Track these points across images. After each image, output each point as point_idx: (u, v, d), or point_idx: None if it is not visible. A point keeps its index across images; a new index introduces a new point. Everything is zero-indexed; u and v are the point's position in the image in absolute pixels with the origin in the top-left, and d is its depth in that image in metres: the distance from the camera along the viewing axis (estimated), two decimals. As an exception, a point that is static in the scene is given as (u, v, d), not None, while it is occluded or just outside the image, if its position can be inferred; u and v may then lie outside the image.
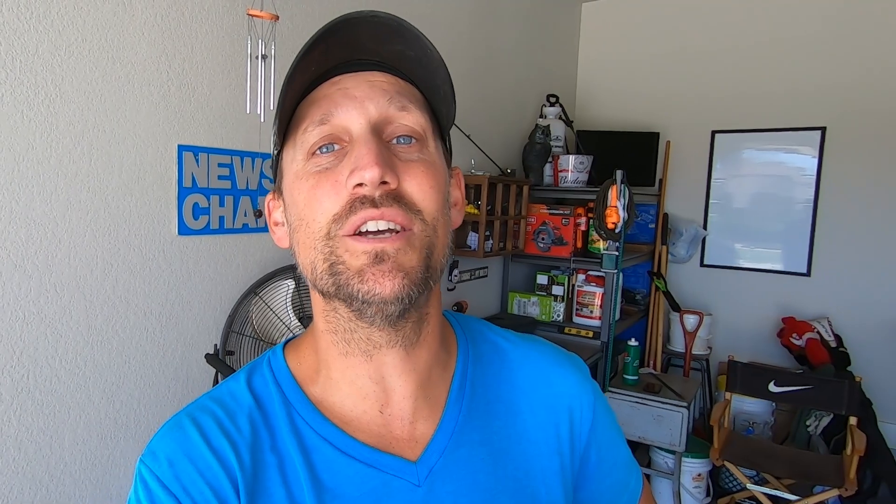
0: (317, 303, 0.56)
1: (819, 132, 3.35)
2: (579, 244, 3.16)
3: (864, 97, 3.22)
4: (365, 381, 0.55)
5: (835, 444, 2.94)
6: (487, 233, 2.75)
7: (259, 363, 0.60)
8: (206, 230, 1.66)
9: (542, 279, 3.26)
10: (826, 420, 3.00)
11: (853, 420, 2.57)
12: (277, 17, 1.43)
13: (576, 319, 3.14)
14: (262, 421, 0.55)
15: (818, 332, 3.17)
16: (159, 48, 1.51)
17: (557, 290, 3.19)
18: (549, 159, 3.23)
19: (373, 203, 0.48)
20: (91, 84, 1.38)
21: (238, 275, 1.76)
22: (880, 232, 3.23)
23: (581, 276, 3.14)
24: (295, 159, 0.52)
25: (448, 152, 0.59)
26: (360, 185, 0.48)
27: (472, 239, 2.78)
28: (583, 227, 3.16)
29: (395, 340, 0.54)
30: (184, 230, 1.61)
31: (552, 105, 3.39)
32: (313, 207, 0.50)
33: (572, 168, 3.16)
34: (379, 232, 0.49)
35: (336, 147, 0.51)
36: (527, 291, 3.31)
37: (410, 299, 0.49)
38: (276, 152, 0.55)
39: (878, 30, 3.16)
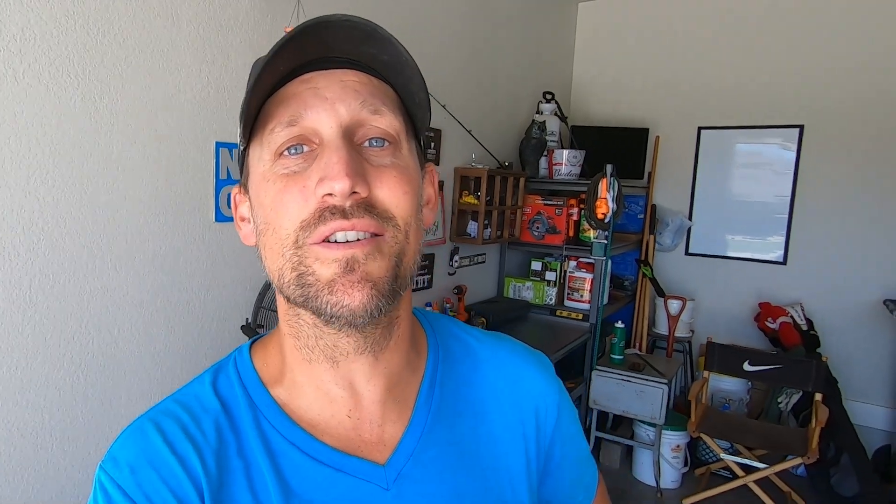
0: (280, 305, 0.55)
1: (797, 129, 3.57)
2: (571, 233, 3.38)
3: (839, 97, 3.44)
4: (331, 386, 0.55)
5: (803, 419, 3.19)
6: (486, 222, 2.97)
7: (225, 363, 0.58)
8: (238, 217, 1.87)
9: (536, 265, 3.49)
10: (796, 397, 3.25)
11: (818, 396, 2.81)
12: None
13: (567, 303, 3.37)
14: (229, 425, 0.54)
15: (791, 317, 3.42)
16: (200, 56, 1.71)
17: (550, 275, 3.42)
18: (545, 153, 3.44)
19: (343, 213, 0.47)
20: (144, 89, 1.59)
21: (265, 257, 1.98)
22: (852, 223, 3.46)
23: (572, 263, 3.36)
24: (262, 159, 0.51)
25: (422, 151, 0.58)
26: (329, 194, 0.47)
27: (472, 227, 3.00)
28: (575, 217, 3.38)
29: (364, 347, 0.53)
30: (220, 217, 1.82)
31: (548, 102, 3.59)
32: (280, 213, 0.49)
33: (566, 161, 3.37)
34: (349, 242, 0.48)
35: (305, 148, 0.49)
36: (522, 277, 3.54)
37: (379, 311, 0.48)
38: (241, 148, 0.54)
39: (851, 32, 3.38)
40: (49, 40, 1.38)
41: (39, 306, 1.43)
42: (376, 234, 0.48)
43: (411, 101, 0.54)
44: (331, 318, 0.48)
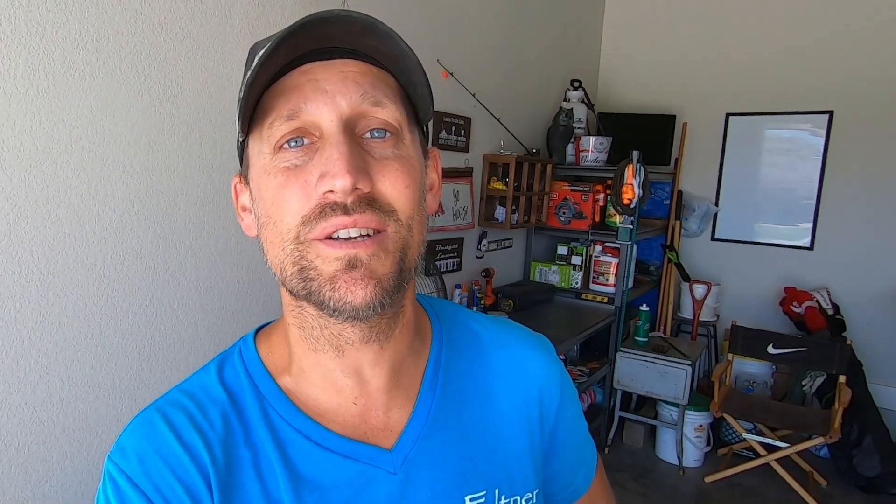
0: (284, 297, 0.55)
1: (827, 115, 3.57)
2: (597, 218, 3.46)
3: (870, 83, 3.43)
4: (338, 375, 0.55)
5: (826, 401, 3.24)
6: (514, 207, 3.07)
7: (230, 353, 0.59)
8: (283, 201, 2.01)
9: (562, 250, 3.58)
10: (820, 380, 3.30)
11: (842, 378, 2.86)
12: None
13: (592, 286, 3.45)
14: (235, 415, 0.54)
15: (817, 301, 3.45)
16: (250, 51, 1.84)
17: (576, 259, 3.51)
18: (572, 140, 3.51)
19: (344, 210, 0.47)
20: (202, 83, 1.72)
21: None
22: (880, 209, 3.47)
23: (598, 248, 3.44)
24: (262, 152, 0.50)
25: (425, 139, 0.57)
26: (330, 191, 0.47)
27: (500, 212, 3.10)
28: (601, 203, 3.46)
29: (370, 336, 0.53)
30: (267, 201, 1.96)
31: (575, 89, 3.65)
32: (281, 207, 0.48)
33: (593, 148, 3.44)
34: (351, 239, 0.48)
35: (305, 141, 0.49)
36: (548, 261, 3.63)
37: (382, 306, 0.48)
38: (241, 139, 0.53)
39: (882, 16, 3.36)
40: (121, 39, 1.52)
41: (111, 281, 1.58)
42: (378, 230, 0.48)
43: (413, 92, 0.53)
44: (333, 311, 0.49)
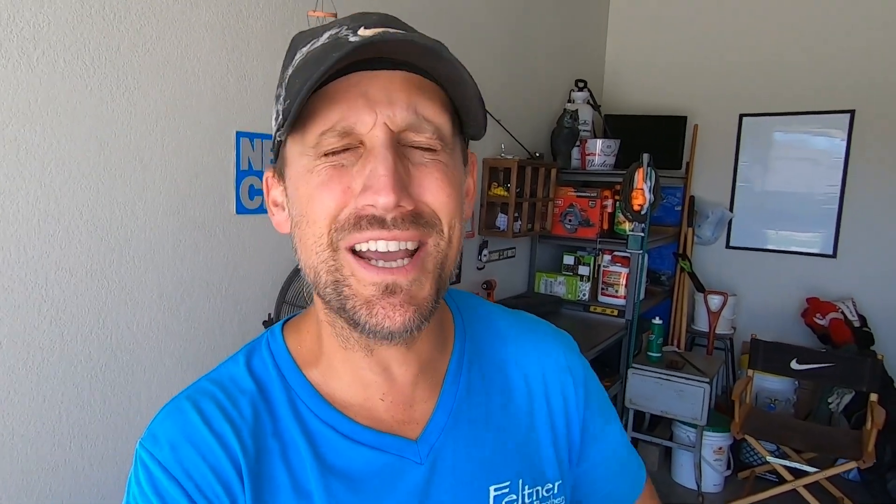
0: (316, 295, 0.54)
1: (848, 115, 3.37)
2: (605, 226, 3.26)
3: (894, 80, 3.23)
4: (366, 371, 0.56)
5: (855, 421, 3.01)
6: (516, 214, 2.87)
7: (258, 345, 0.59)
8: (260, 209, 1.82)
9: (568, 259, 3.37)
10: (848, 397, 3.07)
11: (874, 396, 2.64)
12: (335, 15, 1.57)
13: (601, 298, 3.24)
14: (265, 406, 0.55)
15: (842, 313, 3.23)
16: (220, 43, 1.66)
17: (583, 270, 3.30)
18: (577, 143, 3.33)
19: (382, 223, 0.47)
20: (163, 77, 1.54)
21: (290, 250, 1.92)
22: (907, 214, 3.25)
23: (607, 257, 3.24)
24: (304, 153, 0.50)
25: (466, 144, 0.57)
26: (371, 205, 0.47)
27: (502, 220, 2.91)
28: (609, 209, 3.26)
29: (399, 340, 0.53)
30: (241, 209, 1.77)
31: (580, 90, 3.47)
32: (317, 206, 0.48)
33: (599, 152, 3.25)
34: (389, 253, 0.47)
35: (350, 146, 0.49)
36: (553, 271, 3.43)
37: (419, 329, 0.49)
38: (279, 139, 0.52)
39: (909, 11, 3.17)
40: (64, 26, 1.33)
41: (56, 301, 1.39)
42: (420, 242, 0.48)
43: (465, 113, 0.52)
44: (368, 333, 0.48)
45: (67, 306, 1.41)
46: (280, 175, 0.55)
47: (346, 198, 0.48)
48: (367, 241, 0.47)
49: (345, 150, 0.48)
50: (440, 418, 0.58)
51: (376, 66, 0.48)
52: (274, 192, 0.57)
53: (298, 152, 0.50)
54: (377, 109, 0.47)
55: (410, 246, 0.48)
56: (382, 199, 0.45)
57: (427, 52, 0.47)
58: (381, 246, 0.47)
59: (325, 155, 0.48)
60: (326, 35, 0.49)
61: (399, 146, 0.48)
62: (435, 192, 0.49)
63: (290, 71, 0.50)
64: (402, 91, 0.48)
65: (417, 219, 0.48)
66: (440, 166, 0.50)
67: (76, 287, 1.42)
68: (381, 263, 0.48)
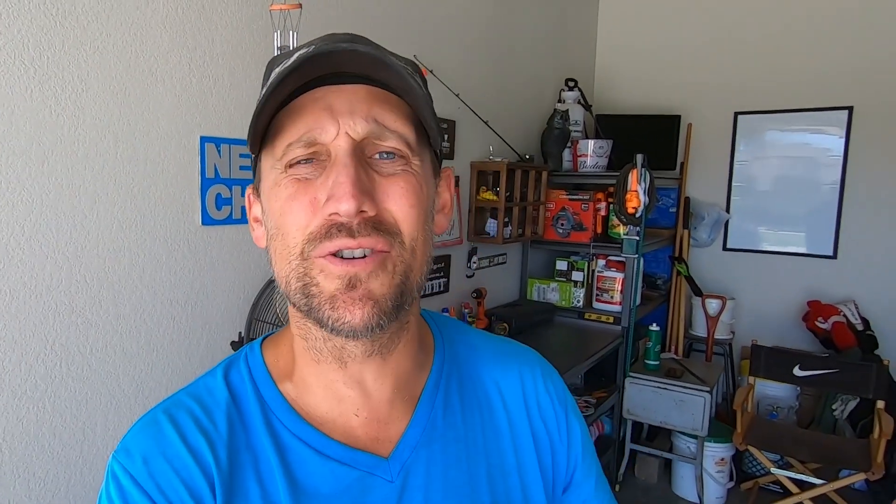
0: (290, 308, 0.56)
1: (846, 112, 3.27)
2: (599, 229, 3.14)
3: (894, 74, 3.13)
4: (339, 386, 0.56)
5: (861, 429, 2.91)
6: (506, 219, 2.75)
7: (236, 359, 0.59)
8: (228, 220, 1.68)
9: (561, 265, 3.25)
10: (852, 404, 2.97)
11: (881, 404, 2.53)
12: (300, 5, 1.44)
13: (596, 305, 3.13)
14: (238, 418, 0.55)
15: (844, 316, 3.12)
16: (180, 41, 1.53)
17: (577, 275, 3.18)
18: (569, 144, 3.21)
19: (349, 231, 0.48)
20: (115, 78, 1.40)
21: (261, 263, 1.79)
22: (909, 213, 3.15)
23: (601, 262, 3.12)
24: (273, 167, 0.51)
25: (437, 158, 0.58)
26: (336, 213, 0.48)
27: (491, 226, 2.78)
28: (603, 213, 3.14)
29: (372, 350, 0.54)
30: (207, 220, 1.63)
31: (571, 89, 3.36)
32: (288, 222, 0.50)
33: (592, 153, 3.14)
34: (353, 259, 0.49)
35: (314, 160, 0.50)
36: (546, 277, 3.30)
37: (380, 327, 0.49)
38: (253, 156, 0.55)
39: (907, 4, 3.07)
40: (-4, 21, 1.20)
41: (-6, 327, 1.25)
42: (383, 251, 0.49)
43: (424, 120, 0.53)
44: (332, 330, 0.49)
45: (8, 331, 1.27)
46: (257, 191, 0.56)
47: (313, 209, 0.49)
48: (337, 250, 0.48)
49: (310, 160, 0.50)
50: (413, 436, 0.57)
51: (341, 80, 0.50)
52: (255, 208, 0.58)
53: (269, 166, 0.52)
54: (339, 119, 0.49)
55: (375, 252, 0.49)
56: (344, 206, 0.47)
57: (374, 62, 0.48)
58: (347, 254, 0.48)
59: (291, 166, 0.50)
60: (295, 56, 0.49)
61: (364, 157, 0.50)
62: (397, 200, 0.50)
63: (262, 91, 0.52)
64: (364, 102, 0.50)
65: (380, 226, 0.49)
66: (406, 176, 0.51)
67: (17, 310, 1.28)
68: (345, 260, 0.49)
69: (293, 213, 0.49)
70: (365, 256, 0.48)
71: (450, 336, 0.65)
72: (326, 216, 0.48)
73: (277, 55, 0.54)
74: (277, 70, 0.49)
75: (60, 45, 1.30)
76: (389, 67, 0.48)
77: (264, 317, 1.74)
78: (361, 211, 0.47)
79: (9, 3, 1.21)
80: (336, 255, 0.49)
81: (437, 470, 0.57)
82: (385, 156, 0.51)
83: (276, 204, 0.51)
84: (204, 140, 1.61)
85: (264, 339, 0.62)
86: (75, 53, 1.33)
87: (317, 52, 0.46)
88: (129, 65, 1.43)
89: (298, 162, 0.50)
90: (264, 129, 0.51)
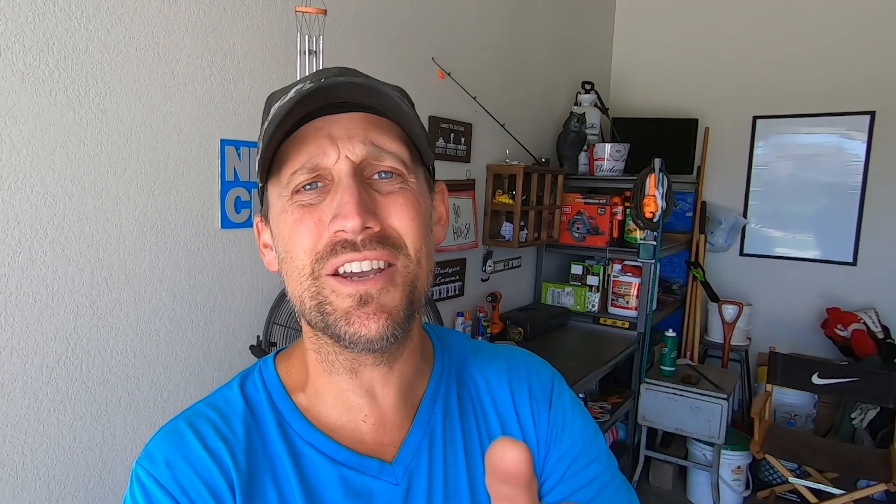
0: (304, 325, 0.59)
1: (868, 116, 3.22)
2: (615, 234, 3.11)
3: (916, 79, 3.08)
4: (349, 394, 0.59)
5: (881, 438, 2.86)
6: (522, 223, 2.73)
7: (251, 371, 0.62)
8: (247, 223, 1.68)
9: (576, 269, 3.23)
10: (872, 413, 2.92)
11: (902, 414, 2.50)
12: (325, 11, 1.43)
13: (611, 310, 3.10)
14: (255, 427, 0.58)
15: (864, 323, 3.08)
16: (202, 44, 1.53)
17: (592, 280, 3.16)
18: (585, 148, 3.19)
19: (354, 247, 0.51)
20: (138, 81, 1.40)
21: (279, 267, 1.78)
22: (932, 219, 3.10)
23: (617, 266, 3.09)
24: (281, 195, 0.54)
25: (431, 175, 0.61)
26: (342, 230, 0.51)
27: (507, 229, 2.77)
28: (619, 217, 3.11)
29: (381, 360, 0.57)
30: (226, 223, 1.63)
31: (587, 92, 3.33)
32: (297, 243, 0.53)
33: (608, 156, 3.11)
34: (363, 273, 0.51)
35: (319, 185, 0.53)
36: (561, 282, 3.28)
37: (395, 337, 0.52)
38: (261, 185, 0.58)
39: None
40: (23, 24, 1.20)
41: (17, 328, 1.25)
42: (388, 264, 0.52)
43: (416, 140, 0.56)
44: (349, 344, 0.52)
45: (31, 333, 1.28)
46: (266, 219, 0.59)
47: (319, 230, 0.52)
48: (343, 265, 0.51)
49: (314, 185, 0.53)
50: (414, 440, 0.60)
51: (340, 110, 0.54)
52: (264, 235, 0.61)
53: (276, 194, 0.55)
54: (339, 145, 0.52)
55: (382, 265, 0.52)
56: (350, 223, 0.50)
57: (368, 91, 0.52)
58: (355, 267, 0.51)
59: (297, 192, 0.53)
60: (293, 90, 0.53)
61: (364, 178, 0.53)
62: (399, 215, 0.53)
63: (263, 126, 0.55)
64: (360, 128, 0.53)
65: (385, 240, 0.52)
66: (405, 193, 0.54)
67: (40, 313, 1.29)
68: (355, 278, 0.52)
69: (300, 236, 0.52)
70: (372, 271, 0.51)
71: (449, 345, 0.68)
72: (332, 234, 0.51)
73: (275, 91, 0.58)
74: (277, 105, 0.52)
75: (84, 49, 1.30)
76: (382, 95, 0.52)
77: (284, 321, 1.73)
78: (366, 227, 0.50)
79: (34, 5, 1.21)
80: (344, 275, 0.51)
81: (439, 472, 0.59)
82: (383, 175, 0.54)
83: (285, 229, 0.54)
84: (224, 143, 1.60)
85: (276, 353, 0.65)
86: (99, 56, 1.33)
87: (315, 87, 0.50)
88: (152, 68, 1.43)
89: (303, 188, 0.53)
90: (270, 160, 0.55)
